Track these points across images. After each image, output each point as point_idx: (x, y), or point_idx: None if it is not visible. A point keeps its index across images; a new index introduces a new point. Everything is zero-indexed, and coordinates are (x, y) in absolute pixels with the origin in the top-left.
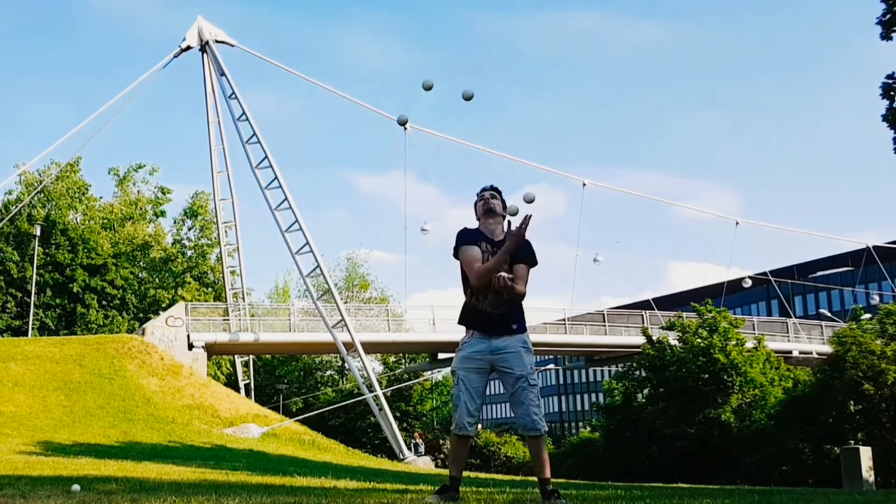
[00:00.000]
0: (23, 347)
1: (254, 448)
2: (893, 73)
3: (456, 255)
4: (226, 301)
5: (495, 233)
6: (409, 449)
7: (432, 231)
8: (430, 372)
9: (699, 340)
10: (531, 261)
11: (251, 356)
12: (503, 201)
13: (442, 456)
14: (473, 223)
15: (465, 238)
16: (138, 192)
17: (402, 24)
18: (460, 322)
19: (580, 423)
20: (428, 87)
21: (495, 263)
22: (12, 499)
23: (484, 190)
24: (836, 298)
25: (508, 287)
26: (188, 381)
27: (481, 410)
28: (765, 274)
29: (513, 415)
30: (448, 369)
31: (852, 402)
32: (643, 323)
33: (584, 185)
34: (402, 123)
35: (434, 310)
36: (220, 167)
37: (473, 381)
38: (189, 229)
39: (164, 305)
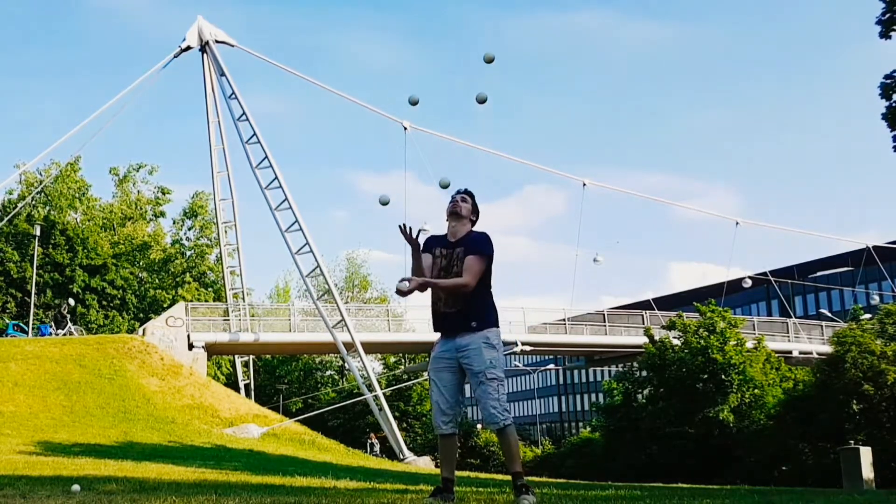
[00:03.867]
0: (23, 347)
1: (254, 448)
2: (892, 72)
3: None
4: (226, 301)
5: (457, 234)
6: (366, 450)
7: (432, 231)
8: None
9: (697, 340)
10: (479, 253)
11: (251, 356)
12: (474, 205)
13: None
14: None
15: (424, 245)
16: (138, 192)
17: (402, 24)
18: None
19: (580, 423)
20: (414, 103)
21: (413, 286)
22: (12, 499)
23: (457, 192)
24: (836, 298)
25: (410, 292)
26: (188, 381)
27: (459, 409)
28: (765, 274)
29: None
30: None
31: (852, 403)
32: (643, 323)
33: (584, 185)
34: (414, 103)
35: None
36: (220, 167)
37: (445, 380)
38: (189, 229)
39: (164, 305)
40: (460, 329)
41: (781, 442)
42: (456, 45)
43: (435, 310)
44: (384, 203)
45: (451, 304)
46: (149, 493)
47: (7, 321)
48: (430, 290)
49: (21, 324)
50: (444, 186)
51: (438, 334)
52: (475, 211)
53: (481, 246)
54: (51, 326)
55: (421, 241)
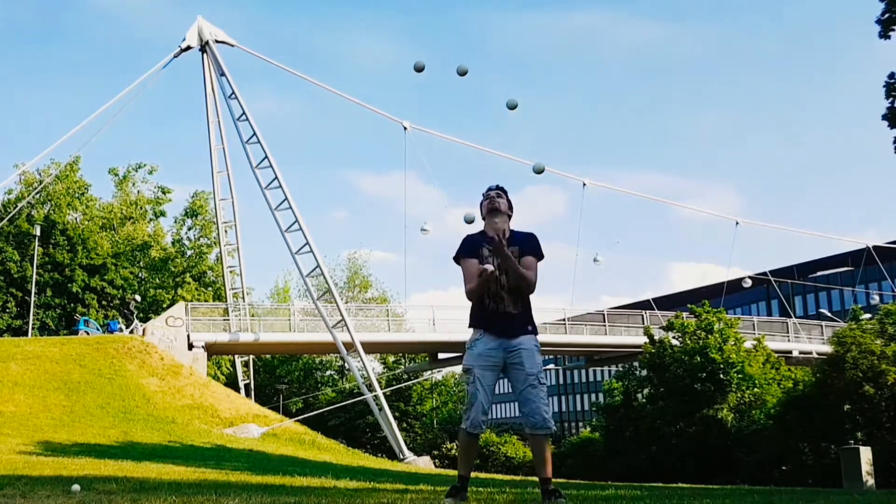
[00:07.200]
0: (23, 347)
1: (254, 448)
2: (894, 72)
3: (457, 261)
4: (226, 301)
5: (501, 231)
6: None
7: (432, 231)
8: (429, 372)
9: (695, 341)
10: (537, 254)
11: (251, 356)
12: (509, 200)
13: (438, 454)
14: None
15: (466, 247)
16: (138, 192)
17: (403, 24)
18: (472, 325)
19: (580, 423)
20: (419, 69)
21: (481, 284)
22: (12, 499)
23: (490, 189)
24: (836, 298)
25: (493, 277)
26: (188, 381)
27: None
28: (765, 274)
29: (521, 413)
30: (448, 370)
31: (852, 403)
32: (643, 323)
33: (584, 185)
34: (419, 69)
35: (434, 310)
36: (220, 167)
37: (488, 379)
38: (189, 229)
39: (164, 305)
40: (518, 331)
41: (781, 442)
42: (456, 45)
43: (493, 308)
44: (469, 221)
45: (515, 305)
46: (149, 493)
47: (78, 317)
48: (481, 286)
49: (91, 320)
50: (469, 221)
51: (480, 330)
52: (510, 206)
53: (538, 248)
54: (119, 322)
55: (425, 239)
